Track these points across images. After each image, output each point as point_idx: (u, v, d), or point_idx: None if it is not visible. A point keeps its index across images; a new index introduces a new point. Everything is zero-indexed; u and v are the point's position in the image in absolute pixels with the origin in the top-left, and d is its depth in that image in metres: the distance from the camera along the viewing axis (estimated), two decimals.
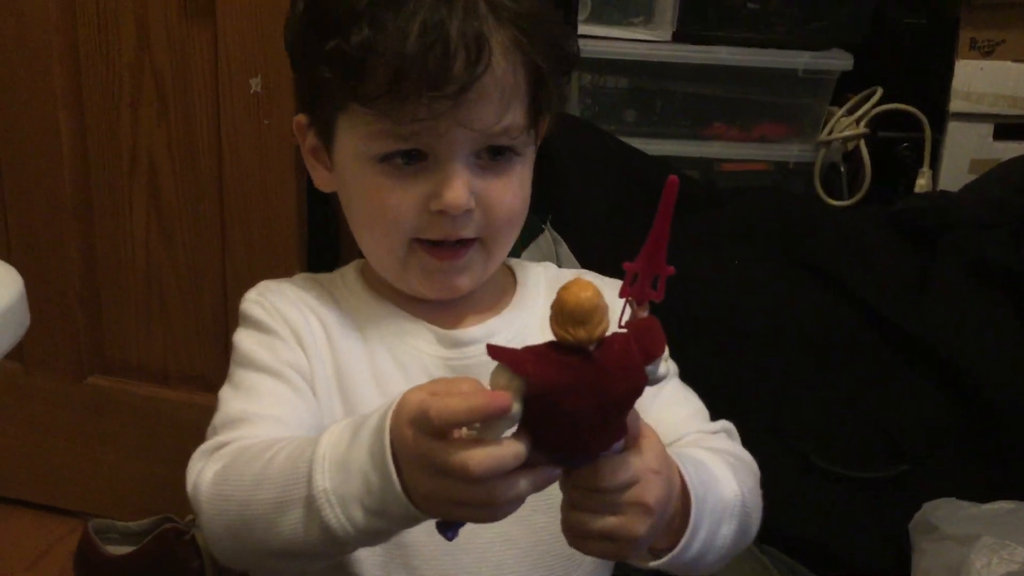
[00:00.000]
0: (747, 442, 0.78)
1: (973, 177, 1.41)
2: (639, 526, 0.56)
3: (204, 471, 0.66)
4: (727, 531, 0.65)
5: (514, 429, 0.52)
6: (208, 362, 1.49)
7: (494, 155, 0.70)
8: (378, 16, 0.64)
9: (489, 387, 0.52)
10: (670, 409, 0.74)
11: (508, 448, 0.51)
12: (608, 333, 0.52)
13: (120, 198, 1.43)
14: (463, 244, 0.71)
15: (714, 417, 0.78)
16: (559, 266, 0.84)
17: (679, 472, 0.61)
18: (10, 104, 1.41)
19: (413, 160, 0.68)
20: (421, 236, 0.70)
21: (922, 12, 1.47)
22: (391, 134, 0.67)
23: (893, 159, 1.46)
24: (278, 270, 1.41)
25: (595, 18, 1.43)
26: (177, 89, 1.36)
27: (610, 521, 0.56)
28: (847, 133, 1.45)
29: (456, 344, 0.73)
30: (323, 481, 0.56)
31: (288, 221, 1.38)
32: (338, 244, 1.48)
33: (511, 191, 0.71)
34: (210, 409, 1.45)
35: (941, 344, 1.15)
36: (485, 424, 0.51)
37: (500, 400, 0.50)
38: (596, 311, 0.51)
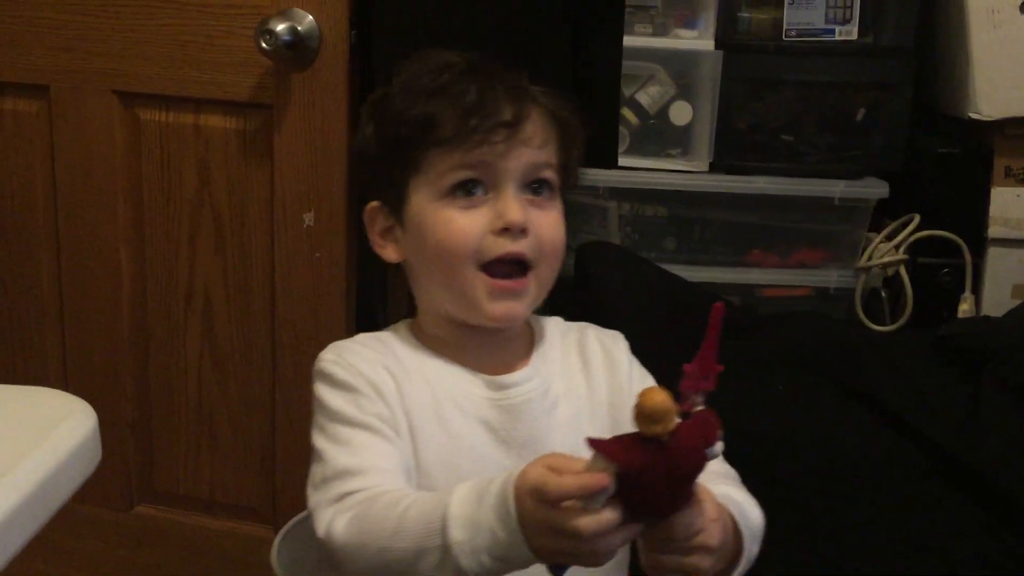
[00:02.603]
0: None
1: (1016, 302, 1.41)
2: (704, 562, 0.74)
3: (336, 520, 0.77)
4: (756, 549, 0.83)
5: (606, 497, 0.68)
6: (255, 492, 1.50)
7: (536, 190, 0.86)
8: (441, 87, 0.85)
9: (588, 469, 0.68)
10: None
11: (606, 515, 0.67)
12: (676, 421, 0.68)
13: (175, 330, 1.48)
14: (523, 273, 0.85)
15: (766, 552, 0.86)
16: None
17: (729, 514, 0.78)
18: (75, 238, 1.47)
19: (473, 192, 0.85)
20: (487, 258, 0.85)
21: (955, 141, 1.50)
22: (460, 164, 0.84)
23: (934, 285, 1.47)
24: None
25: (634, 150, 1.48)
26: (234, 224, 1.42)
27: (683, 561, 0.74)
28: (887, 259, 1.47)
29: (501, 387, 0.88)
30: (458, 535, 0.71)
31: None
32: None
33: (553, 221, 0.87)
34: (255, 539, 1.46)
35: (995, 473, 1.12)
36: (589, 497, 0.67)
37: (602, 480, 0.66)
38: (668, 412, 0.67)
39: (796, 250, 1.53)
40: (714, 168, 1.51)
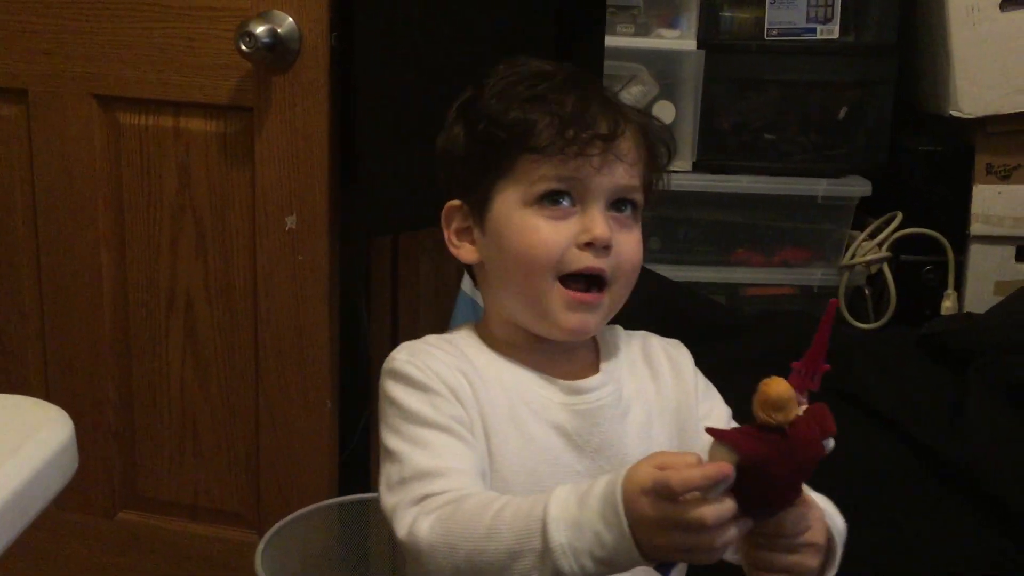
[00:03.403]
0: None
1: (998, 299, 1.42)
2: (812, 561, 0.75)
3: (419, 521, 0.76)
4: (841, 554, 0.82)
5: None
6: (239, 497, 1.49)
7: (620, 209, 0.86)
8: (537, 97, 0.85)
9: (708, 459, 0.68)
10: None
11: (727, 504, 0.67)
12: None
13: (157, 335, 1.47)
14: (599, 288, 0.85)
15: None
16: None
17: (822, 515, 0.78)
18: (55, 242, 1.46)
19: (560, 203, 0.84)
20: (567, 270, 0.84)
21: (937, 140, 1.51)
22: (552, 177, 0.83)
23: (917, 282, 1.47)
24: (311, 405, 1.42)
25: None
26: (216, 228, 1.41)
27: (790, 559, 0.74)
28: (870, 257, 1.47)
29: (577, 392, 0.87)
30: (559, 537, 0.70)
31: (320, 356, 1.41)
32: (368, 378, 1.50)
33: (634, 242, 0.87)
34: (239, 544, 1.45)
35: (981, 472, 1.13)
36: (712, 488, 0.67)
37: (726, 469, 0.66)
38: (791, 400, 0.67)
39: (780, 249, 1.54)
40: (697, 168, 1.51)
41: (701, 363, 0.95)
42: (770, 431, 0.68)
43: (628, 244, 0.86)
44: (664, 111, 1.50)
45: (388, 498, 0.80)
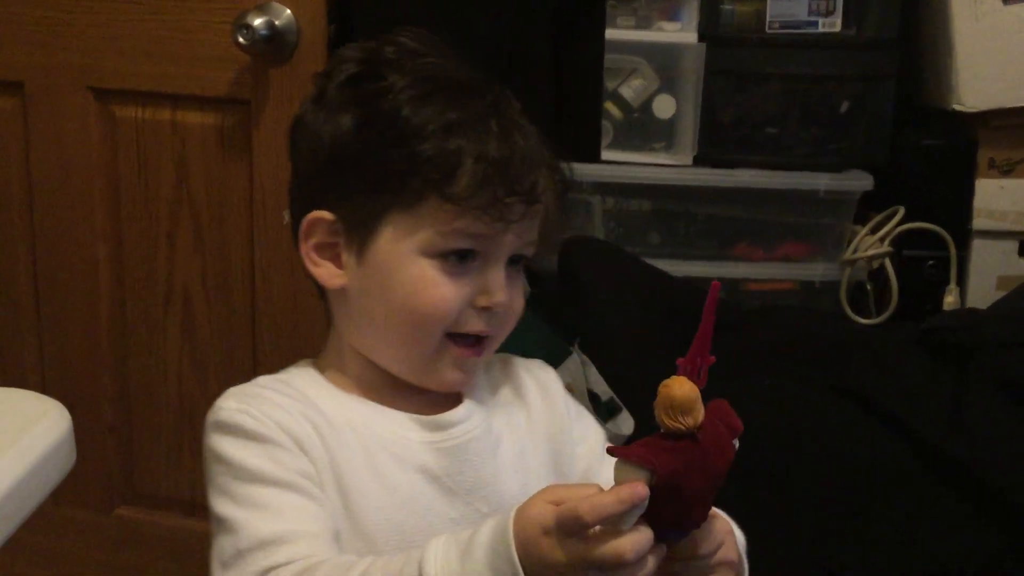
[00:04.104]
0: None
1: (1001, 294, 1.41)
2: None
3: None
4: (747, 565, 0.77)
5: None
6: None
7: (515, 262, 0.78)
8: (465, 126, 0.73)
9: (615, 482, 0.60)
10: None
11: (644, 532, 0.60)
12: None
13: (155, 328, 1.46)
14: (483, 340, 0.77)
15: (755, 551, 0.81)
16: (588, 389, 0.86)
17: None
18: (52, 236, 1.45)
19: (465, 260, 0.75)
20: (458, 330, 0.76)
21: (940, 134, 1.50)
22: (466, 234, 0.73)
23: (920, 277, 1.47)
24: None
25: (617, 144, 1.47)
26: (213, 222, 1.40)
27: None
28: (871, 252, 1.46)
29: (440, 427, 0.77)
30: None
31: (318, 349, 1.40)
32: None
33: (520, 295, 0.79)
34: None
35: (982, 468, 1.12)
36: (626, 515, 0.59)
37: (642, 489, 0.59)
38: (697, 401, 0.61)
39: (781, 243, 1.53)
40: (698, 162, 1.50)
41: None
42: (679, 438, 0.61)
43: (517, 299, 0.78)
44: (665, 105, 1.49)
45: None
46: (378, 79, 0.76)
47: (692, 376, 0.62)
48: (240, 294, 1.42)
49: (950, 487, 1.14)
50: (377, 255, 0.75)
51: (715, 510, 0.68)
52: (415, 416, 0.77)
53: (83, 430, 1.47)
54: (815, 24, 1.49)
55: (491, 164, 0.72)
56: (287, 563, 0.66)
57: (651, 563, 0.61)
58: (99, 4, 1.37)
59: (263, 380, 0.78)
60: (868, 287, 1.50)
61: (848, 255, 1.48)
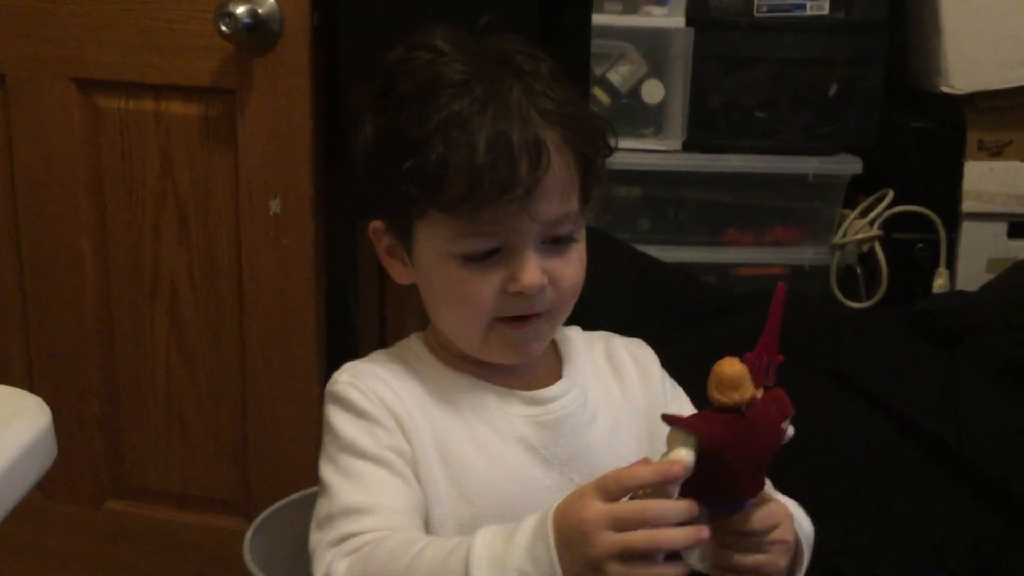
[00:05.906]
0: None
1: (991, 276, 1.41)
2: (782, 560, 0.73)
3: (335, 564, 0.72)
4: (808, 558, 0.79)
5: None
6: (227, 485, 1.48)
7: (556, 241, 0.79)
8: (448, 134, 0.74)
9: (666, 447, 0.66)
10: None
11: (685, 501, 0.64)
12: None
13: (141, 321, 1.45)
14: (528, 317, 0.79)
15: None
16: None
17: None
18: (36, 231, 1.44)
19: (490, 255, 0.77)
20: (502, 315, 0.79)
21: (929, 116, 1.50)
22: (472, 234, 0.76)
23: (909, 260, 1.47)
24: (297, 391, 1.41)
25: None
26: (199, 213, 1.39)
27: (760, 558, 0.71)
28: (861, 235, 1.46)
29: (539, 402, 0.82)
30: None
31: (307, 341, 1.39)
32: None
33: (573, 266, 0.80)
34: (229, 532, 1.44)
35: (972, 451, 1.12)
36: (666, 486, 0.64)
37: (676, 467, 0.64)
38: (745, 378, 0.66)
39: (771, 228, 1.53)
40: (687, 147, 1.50)
41: (691, 345, 0.94)
42: (727, 412, 0.66)
43: (567, 271, 0.79)
44: (653, 90, 1.48)
45: (312, 535, 0.76)
46: (386, 93, 0.80)
47: (758, 373, 0.68)
48: (227, 284, 1.40)
49: (941, 469, 1.14)
50: (419, 259, 0.81)
51: (777, 495, 0.73)
52: (516, 391, 0.82)
53: (71, 423, 1.47)
54: (803, 7, 1.48)
55: (475, 170, 0.73)
56: (362, 532, 0.73)
57: (690, 533, 0.63)
58: None
59: (377, 355, 0.85)
60: (858, 271, 1.50)
61: (838, 239, 1.48)
